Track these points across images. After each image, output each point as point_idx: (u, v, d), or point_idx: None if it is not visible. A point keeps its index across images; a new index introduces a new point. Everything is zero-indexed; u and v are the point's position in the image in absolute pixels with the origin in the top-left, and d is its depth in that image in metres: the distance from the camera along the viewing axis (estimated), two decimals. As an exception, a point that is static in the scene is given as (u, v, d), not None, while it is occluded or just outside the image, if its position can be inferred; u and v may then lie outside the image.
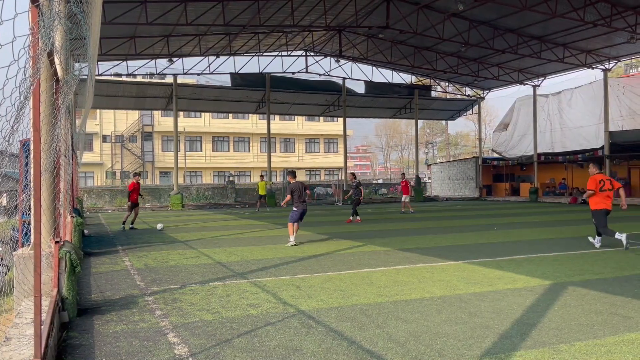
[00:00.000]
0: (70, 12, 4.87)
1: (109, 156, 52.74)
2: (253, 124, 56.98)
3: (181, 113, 46.97)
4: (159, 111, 49.45)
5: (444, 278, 7.64)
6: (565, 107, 35.30)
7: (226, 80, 33.66)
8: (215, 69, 31.79)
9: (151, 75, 32.10)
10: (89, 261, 9.95)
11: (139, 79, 33.89)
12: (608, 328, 5.00)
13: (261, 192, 27.28)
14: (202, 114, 53.62)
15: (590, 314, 5.51)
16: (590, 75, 34.50)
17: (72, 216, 9.70)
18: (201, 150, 56.10)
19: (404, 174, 27.09)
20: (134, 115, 53.10)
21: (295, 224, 12.02)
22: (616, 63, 31.59)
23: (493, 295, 6.46)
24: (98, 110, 49.47)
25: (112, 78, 31.21)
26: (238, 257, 10.18)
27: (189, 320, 5.51)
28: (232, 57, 31.53)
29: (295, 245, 11.73)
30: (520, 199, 35.83)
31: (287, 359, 4.29)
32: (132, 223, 16.97)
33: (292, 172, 12.61)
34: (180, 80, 33.30)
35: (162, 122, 53.60)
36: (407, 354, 4.36)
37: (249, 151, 57.80)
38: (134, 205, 17.02)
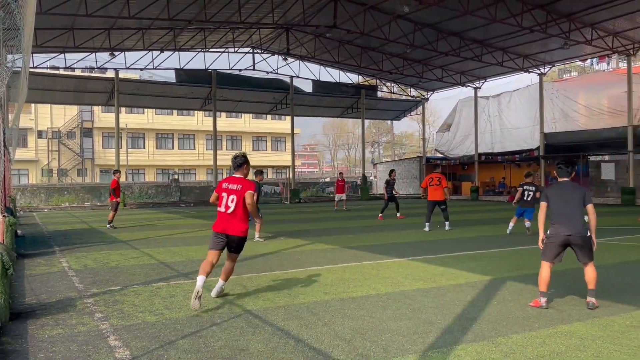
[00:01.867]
0: (3, 1, 4.61)
1: (45, 153, 50.35)
2: (198, 121, 55.93)
3: (123, 109, 45.43)
4: (100, 107, 47.69)
5: (389, 275, 7.78)
6: (504, 109, 36.75)
7: (171, 76, 32.90)
8: (160, 64, 30.97)
9: (91, 69, 30.90)
10: (23, 263, 9.46)
11: (78, 72, 32.50)
12: (542, 321, 5.25)
13: None
14: (145, 110, 52.11)
15: (526, 308, 5.76)
16: (528, 79, 36.16)
17: (4, 216, 9.20)
18: (144, 148, 54.53)
19: (341, 173, 27.50)
20: (72, 111, 50.91)
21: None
22: (551, 68, 33.21)
23: (436, 291, 6.63)
24: (33, 105, 47.08)
25: (49, 71, 29.81)
26: (183, 257, 9.97)
27: (130, 323, 5.34)
28: (177, 53, 30.83)
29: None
30: (461, 198, 37.03)
31: (233, 359, 4.24)
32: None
33: (259, 172, 12.83)
34: (122, 75, 32.20)
35: (103, 118, 51.69)
36: (353, 350, 4.41)
37: (194, 149, 56.72)
38: (118, 204, 16.69)
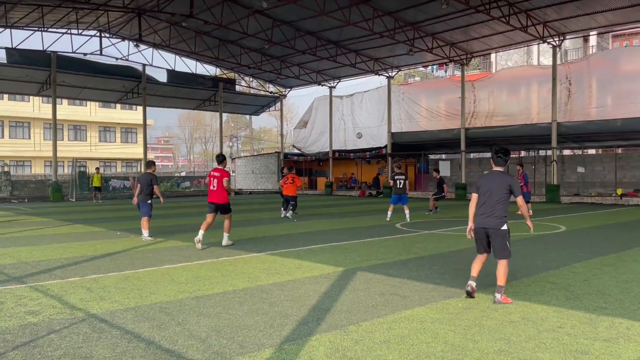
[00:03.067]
0: None
1: None
2: (35, 107, 50.27)
3: (-61, 90, 39.18)
4: None
5: (247, 270, 7.75)
6: (356, 108, 38.74)
7: (1, 56, 29.08)
8: (-13, 41, 27.21)
9: None
10: None
11: None
12: (389, 307, 5.62)
13: (95, 183, 28.67)
14: (-31, 92, 45.54)
15: (375, 296, 6.12)
16: (377, 81, 38.52)
17: None
18: (-33, 135, 47.68)
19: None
20: None
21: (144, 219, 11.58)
22: (398, 71, 35.78)
23: (292, 284, 6.75)
24: None
25: None
26: (13, 258, 8.90)
27: (-54, 337, 4.61)
28: (8, 30, 27.35)
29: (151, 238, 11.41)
30: (317, 192, 38.34)
31: (75, 369, 3.87)
32: None
33: (149, 163, 12.58)
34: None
35: None
36: (208, 349, 4.30)
37: (30, 138, 50.93)
38: None
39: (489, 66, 44.23)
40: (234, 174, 48.46)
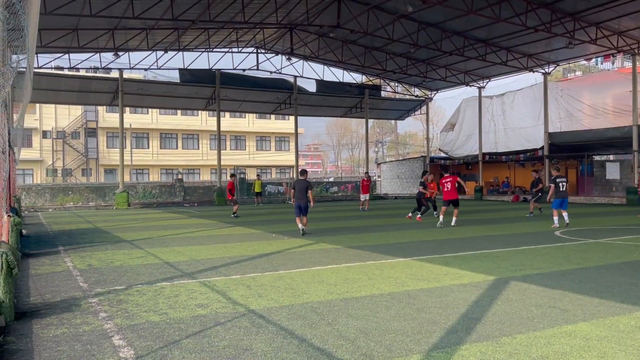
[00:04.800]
0: (8, 2, 4.62)
1: (50, 153, 50.52)
2: (202, 120, 55.99)
3: (127, 109, 45.51)
4: (104, 107, 47.80)
5: (393, 275, 7.77)
6: (508, 108, 36.64)
7: (174, 76, 32.88)
8: (163, 64, 31.00)
9: (95, 69, 30.96)
10: (28, 262, 9.50)
11: (82, 72, 32.59)
12: (547, 320, 5.23)
13: (257, 189, 31.61)
14: (150, 110, 52.21)
15: (530, 308, 5.74)
16: (532, 78, 36.01)
17: (9, 215, 9.23)
18: (148, 147, 54.65)
19: (367, 173, 28.16)
20: (76, 111, 51.08)
21: (298, 217, 13.61)
22: (555, 67, 33.07)
23: (440, 291, 6.62)
24: (37, 105, 47.25)
25: (53, 71, 29.87)
26: (186, 256, 9.99)
27: (135, 322, 5.35)
28: (180, 53, 30.85)
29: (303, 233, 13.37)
30: (466, 197, 36.94)
31: (237, 358, 4.24)
32: None
33: (302, 171, 14.50)
34: (126, 75, 32.28)
35: (107, 117, 51.83)
36: (357, 350, 4.40)
37: (198, 148, 56.79)
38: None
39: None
40: (378, 179, 48.85)
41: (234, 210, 20.83)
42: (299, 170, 15.28)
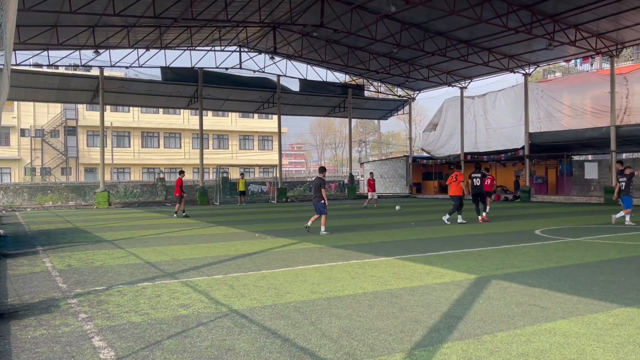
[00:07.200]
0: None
1: (28, 151, 49.67)
2: (184, 119, 55.58)
3: (108, 107, 45.00)
4: (84, 105, 47.14)
5: (376, 274, 7.80)
6: (489, 108, 37.02)
7: (156, 74, 32.60)
8: (145, 62, 30.71)
9: (75, 67, 30.52)
10: (5, 263, 9.32)
11: (61, 70, 32.11)
12: (527, 318, 5.30)
13: (241, 188, 31.15)
14: (131, 108, 51.67)
15: (511, 306, 5.81)
16: (513, 79, 36.44)
17: (-15, 215, 9.06)
18: (129, 146, 54.08)
19: (372, 173, 29.01)
20: (56, 109, 50.32)
21: (315, 215, 13.60)
22: (535, 68, 33.52)
23: (422, 290, 6.66)
24: (15, 103, 46.43)
25: (32, 68, 29.39)
26: (168, 256, 9.90)
27: (115, 323, 5.29)
28: (162, 51, 30.56)
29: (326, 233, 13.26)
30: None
31: (220, 359, 4.22)
32: None
33: (320, 168, 14.19)
34: (107, 73, 31.89)
35: (88, 116, 51.20)
36: (340, 349, 4.41)
37: (180, 147, 56.36)
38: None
39: (645, 56, 39.61)
40: (362, 178, 49.02)
41: (181, 208, 20.38)
42: (318, 167, 14.89)
